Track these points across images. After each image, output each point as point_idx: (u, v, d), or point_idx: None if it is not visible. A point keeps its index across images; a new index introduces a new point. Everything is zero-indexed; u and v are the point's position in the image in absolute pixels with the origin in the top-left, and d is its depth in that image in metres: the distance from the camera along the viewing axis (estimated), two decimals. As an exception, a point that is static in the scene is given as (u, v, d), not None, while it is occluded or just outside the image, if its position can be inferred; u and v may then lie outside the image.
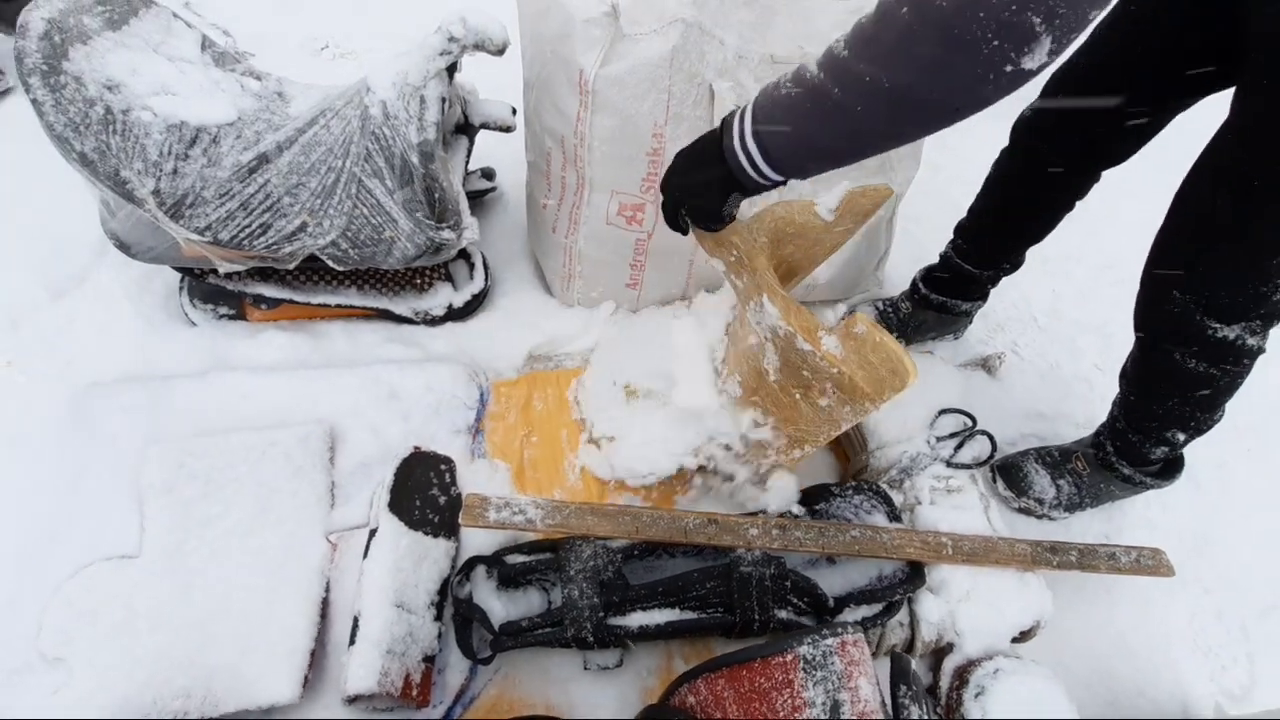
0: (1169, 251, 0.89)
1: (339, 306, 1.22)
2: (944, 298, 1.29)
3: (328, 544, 0.98)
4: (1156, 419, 1.02)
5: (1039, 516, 1.18)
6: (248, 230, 1.04)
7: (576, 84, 1.04)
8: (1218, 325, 0.86)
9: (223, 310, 1.21)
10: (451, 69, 1.04)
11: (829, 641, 0.66)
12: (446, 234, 1.10)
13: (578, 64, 1.02)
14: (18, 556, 0.95)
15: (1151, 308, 0.93)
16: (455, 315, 1.26)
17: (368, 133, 1.02)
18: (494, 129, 1.15)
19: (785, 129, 0.67)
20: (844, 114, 0.61)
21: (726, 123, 0.74)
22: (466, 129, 1.16)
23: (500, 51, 1.00)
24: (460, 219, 1.11)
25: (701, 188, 0.78)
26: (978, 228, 1.22)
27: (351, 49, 1.77)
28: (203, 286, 1.20)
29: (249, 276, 1.15)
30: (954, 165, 1.77)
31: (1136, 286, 1.58)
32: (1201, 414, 0.98)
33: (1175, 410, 0.99)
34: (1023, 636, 1.00)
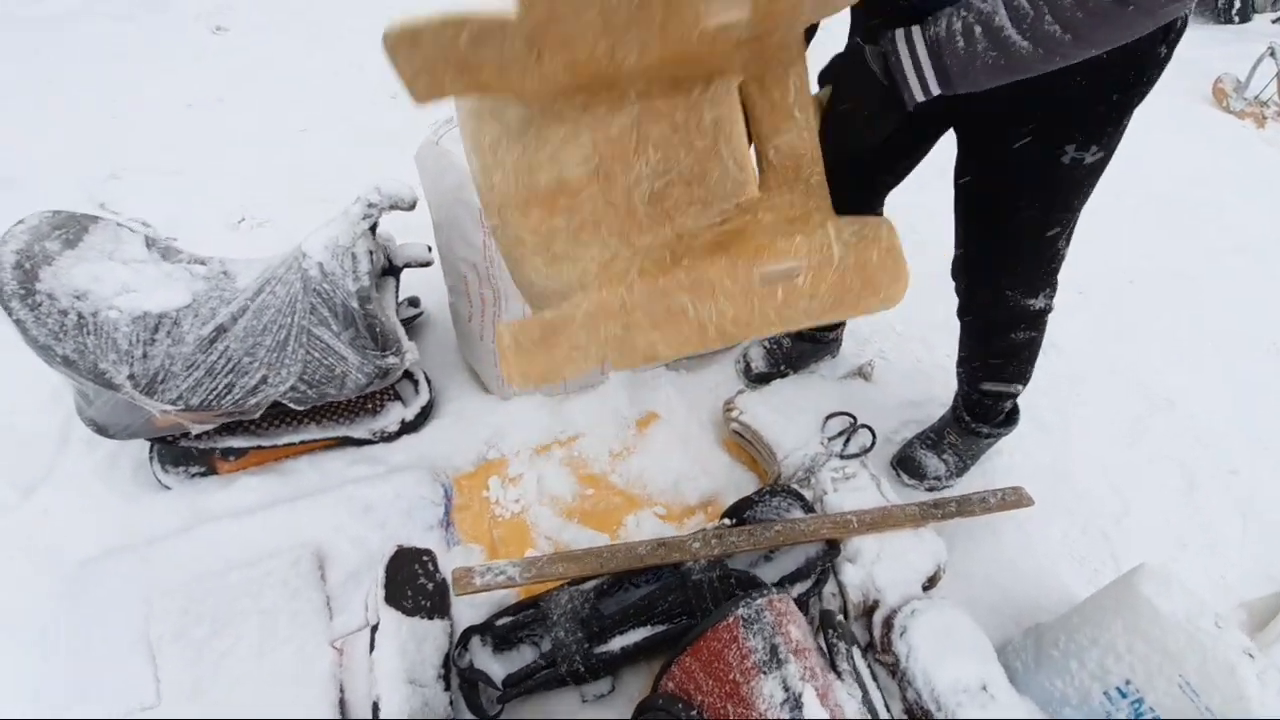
0: (986, 265, 1.17)
1: (303, 443, 1.36)
2: (812, 330, 1.57)
3: (334, 650, 1.09)
4: (1002, 381, 1.33)
5: (942, 489, 1.44)
6: (215, 392, 1.19)
7: (479, 220, 1.28)
8: (1031, 301, 1.17)
9: (194, 469, 1.33)
10: (373, 227, 1.26)
11: (759, 601, 0.86)
12: (391, 359, 1.29)
13: (476, 205, 1.26)
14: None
15: (990, 310, 1.21)
16: (409, 428, 1.43)
17: (310, 290, 1.22)
18: (415, 266, 1.36)
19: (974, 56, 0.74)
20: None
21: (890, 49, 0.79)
22: (392, 270, 1.37)
23: (410, 208, 1.23)
24: (400, 345, 1.31)
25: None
26: None
27: (266, 217, 1.96)
28: (172, 451, 1.31)
29: (217, 433, 1.28)
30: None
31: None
32: (1028, 368, 1.31)
33: (1013, 369, 1.30)
34: (931, 582, 1.22)
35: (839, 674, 0.89)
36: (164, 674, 1.04)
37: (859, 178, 1.22)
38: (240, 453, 1.34)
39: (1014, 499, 1.32)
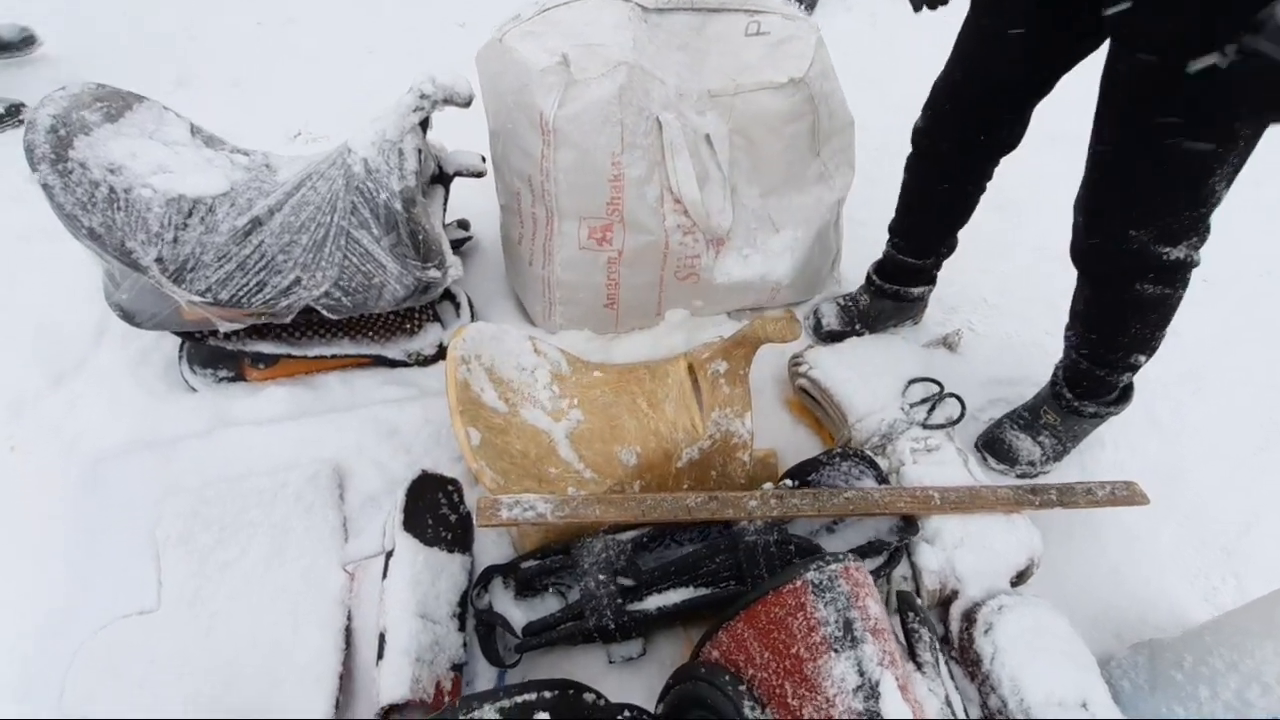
0: (1115, 199, 0.97)
1: (334, 357, 1.28)
2: (896, 286, 1.40)
3: (345, 574, 1.00)
4: (1121, 348, 1.12)
5: (1034, 476, 1.26)
6: (245, 289, 1.11)
7: (539, 126, 1.15)
8: (1169, 249, 0.96)
9: (222, 373, 1.26)
10: (424, 123, 1.15)
11: (833, 567, 0.71)
12: (433, 273, 1.18)
13: (538, 108, 1.14)
14: (38, 626, 0.95)
15: (1112, 251, 1.01)
16: (446, 353, 1.32)
17: (352, 188, 1.12)
18: (467, 176, 1.25)
19: None
20: None
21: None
22: (442, 178, 1.27)
23: (467, 104, 1.12)
24: (444, 259, 1.20)
25: None
26: (906, 226, 1.35)
27: (324, 133, 1.89)
28: (201, 351, 1.25)
29: (247, 335, 1.21)
30: (889, 177, 1.94)
31: (1067, 262, 1.72)
32: (1158, 333, 1.09)
33: (1137, 335, 1.09)
34: (1020, 578, 1.05)
35: (919, 665, 0.74)
36: (166, 577, 0.97)
37: (1009, 99, 1.09)
38: (270, 360, 1.26)
39: (1126, 495, 1.13)
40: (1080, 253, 1.07)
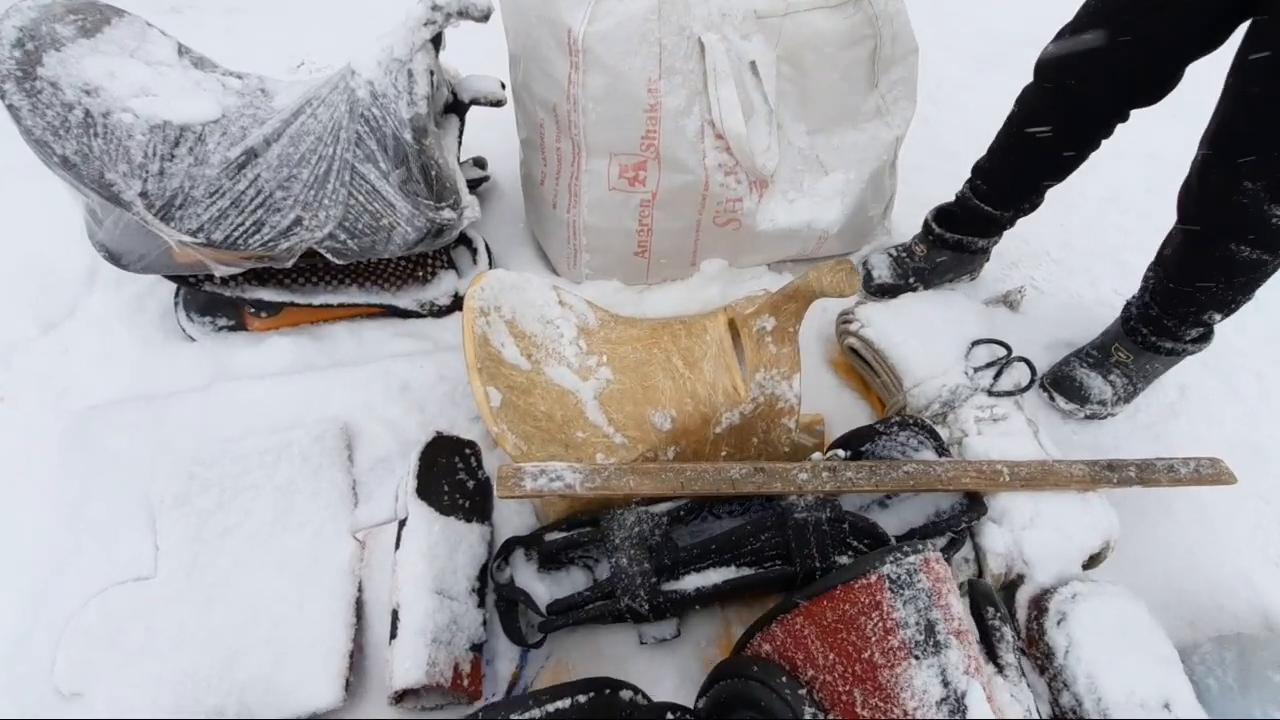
0: (1241, 141, 0.86)
1: (341, 306, 1.18)
2: (959, 235, 1.26)
3: (355, 542, 0.93)
4: (1195, 304, 1.02)
5: (1104, 417, 1.18)
6: (242, 229, 1.00)
7: (565, 45, 1.01)
8: (1275, 207, 0.84)
9: (222, 322, 1.17)
10: (436, 41, 1.01)
11: (912, 559, 0.62)
12: (447, 214, 1.06)
13: (565, 24, 1.00)
14: (27, 593, 0.89)
15: (1217, 199, 0.90)
16: (462, 303, 1.22)
17: (356, 116, 0.99)
18: (484, 104, 1.12)
19: None
20: None
21: None
22: (456, 107, 1.13)
23: (485, 17, 0.98)
24: (459, 199, 1.08)
25: None
26: (998, 167, 1.19)
27: (328, 63, 1.75)
28: (199, 298, 1.15)
29: (246, 281, 1.11)
30: (944, 115, 1.77)
31: (1139, 216, 1.56)
32: (1242, 297, 0.99)
33: (1217, 295, 0.99)
34: (1092, 561, 0.95)
35: (1000, 668, 0.65)
36: (163, 542, 0.90)
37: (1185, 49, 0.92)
38: (273, 309, 1.16)
39: (1212, 474, 1.02)
40: (1190, 194, 0.93)
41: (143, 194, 0.93)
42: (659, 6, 1.01)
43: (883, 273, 1.29)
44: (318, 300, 1.16)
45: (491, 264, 1.26)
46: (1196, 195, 0.94)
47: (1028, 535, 0.92)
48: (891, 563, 0.61)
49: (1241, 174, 0.86)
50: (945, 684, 0.56)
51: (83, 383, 1.12)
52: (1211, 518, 1.11)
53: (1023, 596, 0.91)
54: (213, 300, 1.15)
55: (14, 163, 1.40)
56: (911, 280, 1.29)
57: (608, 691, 0.62)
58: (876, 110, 1.25)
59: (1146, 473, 0.99)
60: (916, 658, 0.58)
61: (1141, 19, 0.90)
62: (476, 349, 0.87)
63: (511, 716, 0.56)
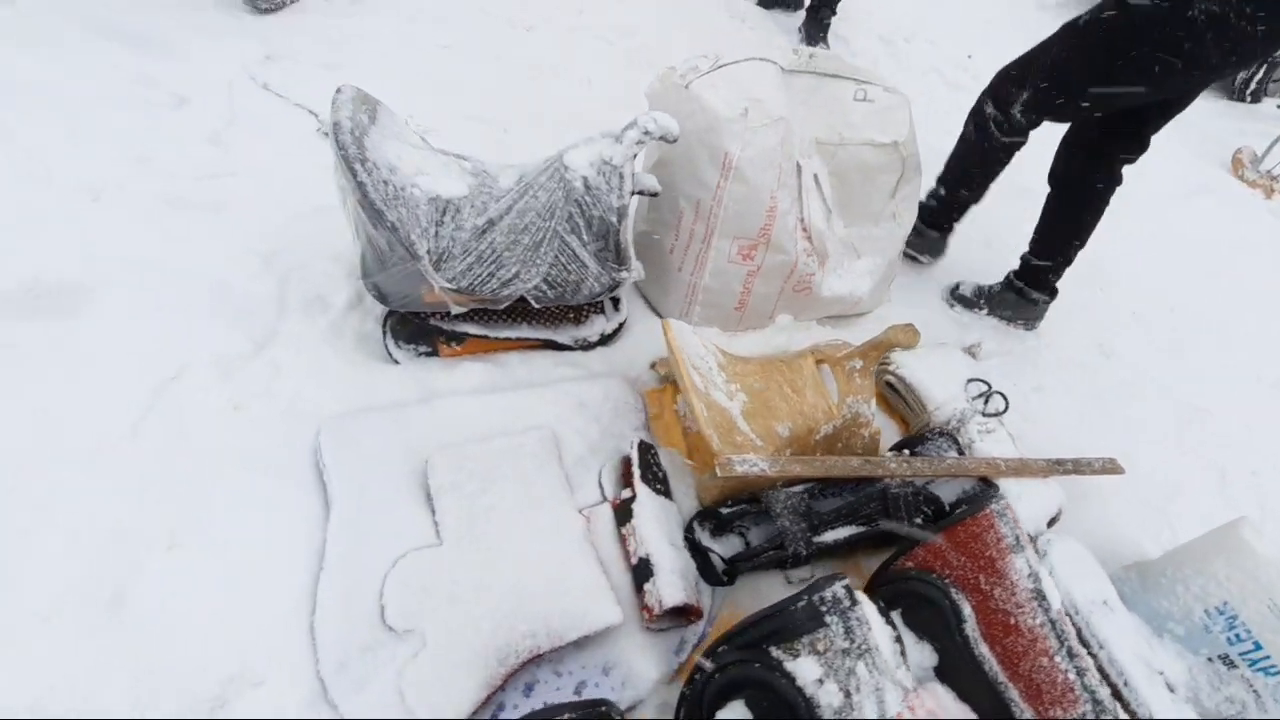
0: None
1: (516, 339, 1.48)
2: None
3: (583, 518, 1.24)
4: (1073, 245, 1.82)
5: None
6: (479, 278, 1.30)
7: (720, 162, 1.43)
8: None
9: (422, 349, 1.43)
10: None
11: (1003, 500, 1.08)
12: (624, 274, 1.42)
13: (724, 149, 1.42)
14: (338, 559, 1.11)
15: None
16: (605, 340, 1.56)
17: (571, 200, 1.34)
18: (646, 194, 1.50)
19: None
20: None
21: None
22: (625, 194, 1.50)
23: (675, 141, 1.37)
24: (631, 261, 1.44)
25: None
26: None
27: (429, 126, 2.01)
28: (406, 329, 1.41)
29: (459, 316, 1.39)
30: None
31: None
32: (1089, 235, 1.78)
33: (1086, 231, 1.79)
34: (1051, 523, 1.47)
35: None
36: (442, 519, 1.16)
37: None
38: (461, 339, 1.44)
39: (1111, 466, 1.59)
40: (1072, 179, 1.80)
41: (429, 251, 1.22)
42: (781, 143, 1.45)
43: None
44: (501, 334, 1.46)
45: (625, 310, 1.61)
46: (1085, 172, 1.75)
47: (1018, 505, 1.42)
48: (995, 502, 1.06)
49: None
50: (1030, 567, 1.01)
51: (304, 396, 1.33)
52: (1105, 499, 1.70)
53: (1018, 544, 1.40)
54: (418, 330, 1.41)
55: (188, 198, 1.58)
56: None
57: (602, 709, 0.96)
58: (892, 215, 1.78)
59: (1078, 465, 1.55)
60: (1014, 552, 1.03)
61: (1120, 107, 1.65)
62: (691, 379, 1.24)
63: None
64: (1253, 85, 3.97)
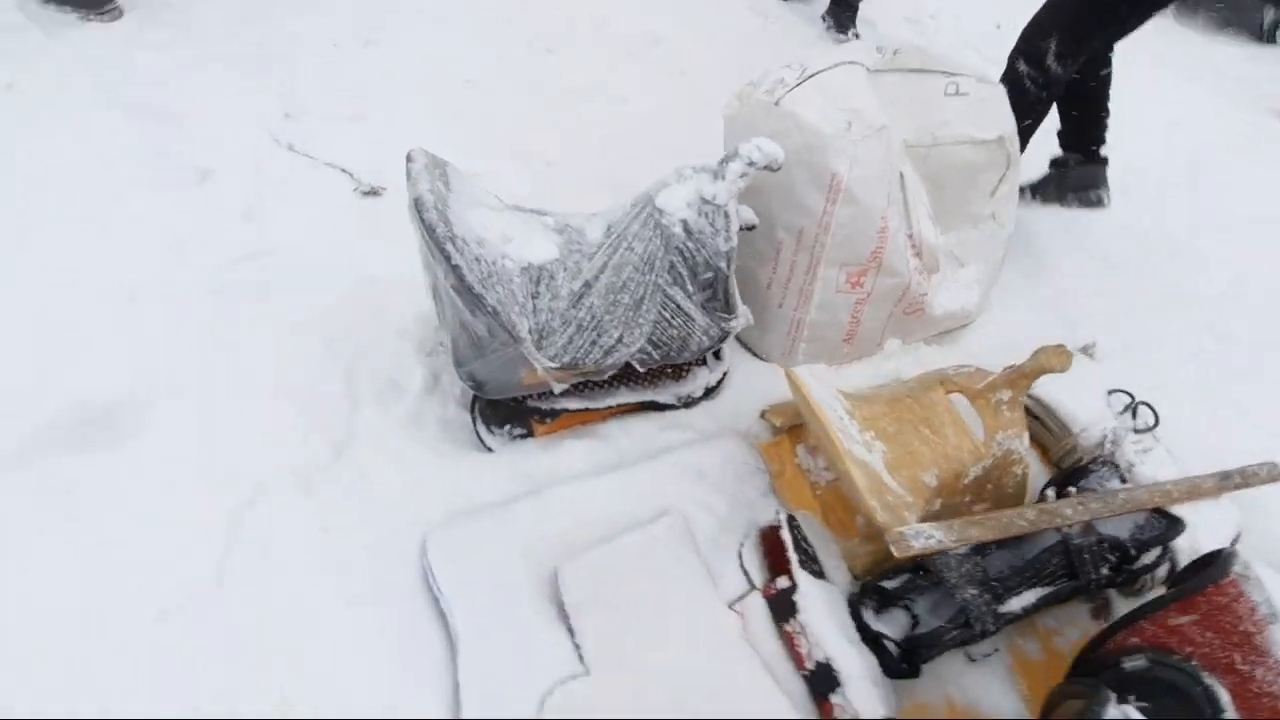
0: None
1: (615, 406, 1.32)
2: None
3: (734, 614, 1.09)
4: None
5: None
6: (582, 349, 1.14)
7: (826, 184, 1.27)
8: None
9: (517, 431, 1.27)
10: (729, 183, 1.23)
11: (1244, 560, 0.92)
12: (733, 322, 1.27)
13: (830, 169, 1.26)
14: (477, 704, 0.96)
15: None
16: (709, 394, 1.41)
17: (672, 249, 1.18)
18: (744, 229, 1.34)
19: None
20: None
21: None
22: (717, 232, 1.34)
23: (779, 169, 1.21)
24: (738, 308, 1.29)
25: None
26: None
27: (470, 169, 1.86)
28: (498, 412, 1.25)
29: (558, 393, 1.23)
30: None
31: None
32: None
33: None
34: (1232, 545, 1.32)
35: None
36: (583, 641, 1.01)
37: None
38: (554, 414, 1.29)
39: (1276, 472, 1.43)
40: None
41: (530, 330, 1.06)
42: (888, 153, 1.29)
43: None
44: (601, 403, 1.30)
45: (718, 356, 1.45)
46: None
47: (1199, 535, 1.26)
48: (1239, 565, 0.91)
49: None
50: (1296, 639, 0.86)
51: (397, 502, 1.17)
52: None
53: (1208, 580, 1.24)
54: (510, 411, 1.26)
55: (229, 284, 1.42)
56: None
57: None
58: (991, 215, 1.61)
59: (1245, 476, 1.39)
60: (1272, 623, 0.87)
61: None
62: (844, 444, 1.09)
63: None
64: (1285, 25, 3.80)
